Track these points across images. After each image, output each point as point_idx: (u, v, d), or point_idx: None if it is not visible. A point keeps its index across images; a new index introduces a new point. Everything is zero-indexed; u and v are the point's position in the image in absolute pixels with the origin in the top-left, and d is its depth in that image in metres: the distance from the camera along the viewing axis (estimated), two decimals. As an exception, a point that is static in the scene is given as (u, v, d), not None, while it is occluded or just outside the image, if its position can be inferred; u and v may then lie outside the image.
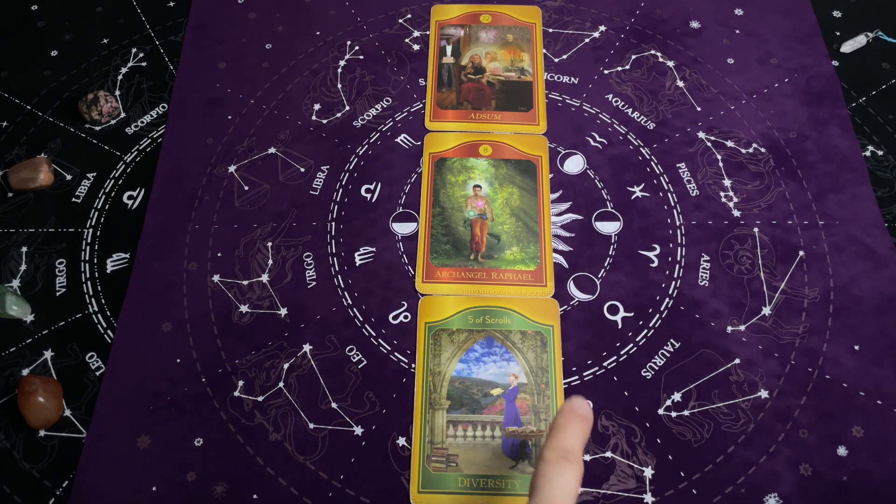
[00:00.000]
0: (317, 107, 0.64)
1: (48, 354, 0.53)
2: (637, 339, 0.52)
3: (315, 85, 0.65)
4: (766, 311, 0.53)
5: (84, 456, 0.48)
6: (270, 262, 0.56)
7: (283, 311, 0.54)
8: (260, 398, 0.50)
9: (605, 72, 0.65)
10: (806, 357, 0.51)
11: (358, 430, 0.49)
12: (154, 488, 0.47)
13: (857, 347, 0.51)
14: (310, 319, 0.53)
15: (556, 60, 0.66)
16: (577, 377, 0.51)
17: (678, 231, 0.57)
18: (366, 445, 0.49)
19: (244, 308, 0.54)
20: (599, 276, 0.55)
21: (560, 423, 0.34)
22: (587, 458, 0.48)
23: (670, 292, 0.54)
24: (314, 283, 0.55)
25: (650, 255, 0.56)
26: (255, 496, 0.47)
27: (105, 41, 0.69)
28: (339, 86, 0.65)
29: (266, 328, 0.53)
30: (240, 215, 0.58)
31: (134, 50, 0.68)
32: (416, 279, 0.55)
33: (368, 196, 0.59)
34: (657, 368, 0.51)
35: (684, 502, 0.46)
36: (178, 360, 0.52)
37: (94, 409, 0.50)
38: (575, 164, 0.60)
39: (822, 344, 0.52)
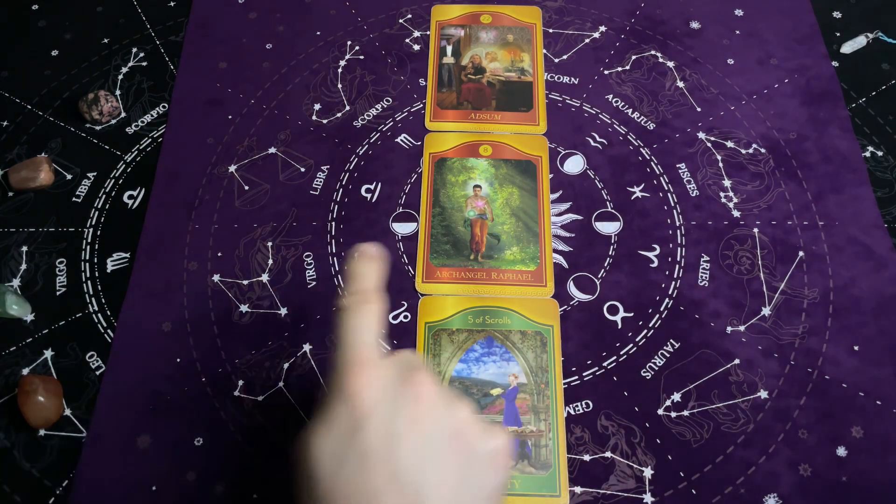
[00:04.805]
0: (317, 107, 0.64)
1: (48, 354, 0.53)
2: (637, 340, 0.52)
3: (315, 85, 0.65)
4: (766, 311, 0.53)
5: (84, 455, 0.48)
6: (270, 261, 0.56)
7: (283, 311, 0.54)
8: (260, 398, 0.50)
9: (606, 72, 0.65)
10: (806, 357, 0.51)
11: (358, 430, 0.49)
12: (154, 488, 0.47)
13: (856, 348, 0.51)
14: (310, 319, 0.53)
15: (557, 61, 0.66)
16: (576, 377, 0.51)
17: (678, 231, 0.57)
18: (366, 445, 0.49)
19: (244, 308, 0.54)
20: (599, 276, 0.55)
21: (353, 269, 0.35)
22: (587, 457, 0.48)
23: (670, 292, 0.54)
24: (314, 283, 0.55)
25: (650, 255, 0.56)
26: (254, 496, 0.47)
27: (105, 41, 0.69)
28: (340, 86, 0.65)
29: (266, 328, 0.53)
30: (240, 215, 0.58)
31: (134, 50, 0.68)
32: (416, 279, 0.55)
33: (368, 196, 0.59)
34: (657, 369, 0.51)
35: (684, 502, 0.46)
36: (178, 360, 0.52)
37: (94, 409, 0.50)
38: (575, 165, 0.60)
39: (822, 344, 0.52)
